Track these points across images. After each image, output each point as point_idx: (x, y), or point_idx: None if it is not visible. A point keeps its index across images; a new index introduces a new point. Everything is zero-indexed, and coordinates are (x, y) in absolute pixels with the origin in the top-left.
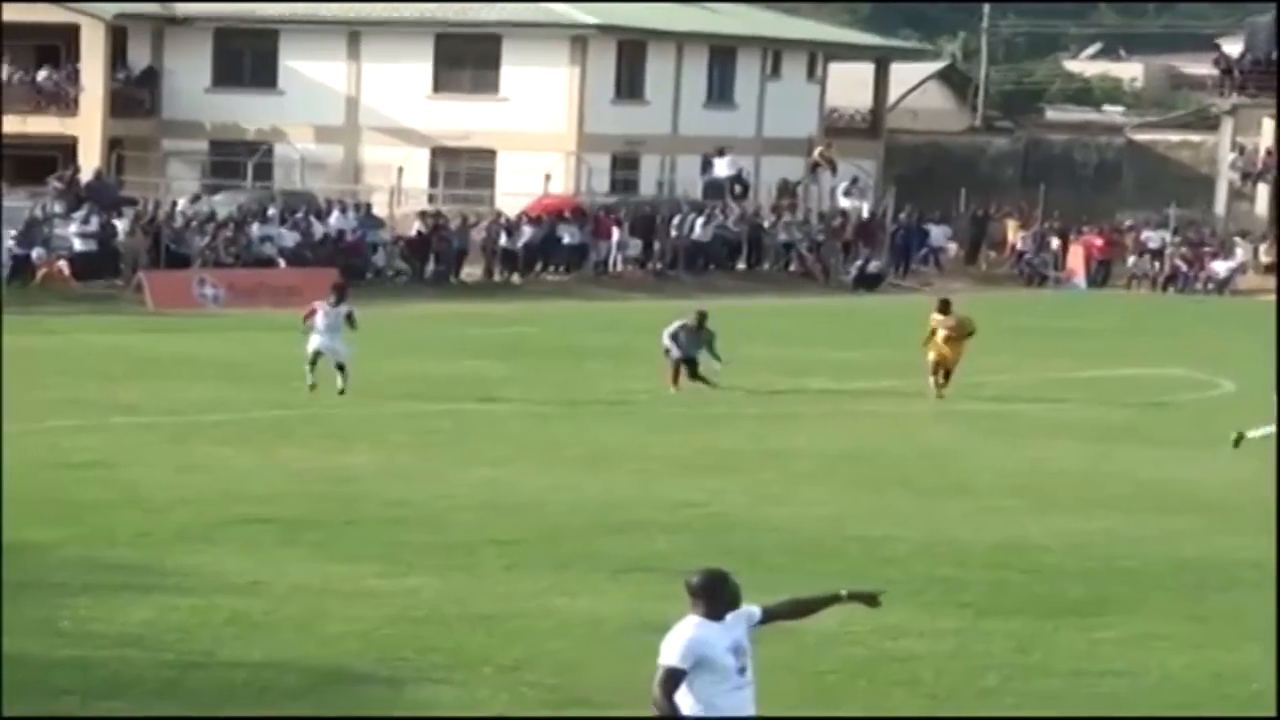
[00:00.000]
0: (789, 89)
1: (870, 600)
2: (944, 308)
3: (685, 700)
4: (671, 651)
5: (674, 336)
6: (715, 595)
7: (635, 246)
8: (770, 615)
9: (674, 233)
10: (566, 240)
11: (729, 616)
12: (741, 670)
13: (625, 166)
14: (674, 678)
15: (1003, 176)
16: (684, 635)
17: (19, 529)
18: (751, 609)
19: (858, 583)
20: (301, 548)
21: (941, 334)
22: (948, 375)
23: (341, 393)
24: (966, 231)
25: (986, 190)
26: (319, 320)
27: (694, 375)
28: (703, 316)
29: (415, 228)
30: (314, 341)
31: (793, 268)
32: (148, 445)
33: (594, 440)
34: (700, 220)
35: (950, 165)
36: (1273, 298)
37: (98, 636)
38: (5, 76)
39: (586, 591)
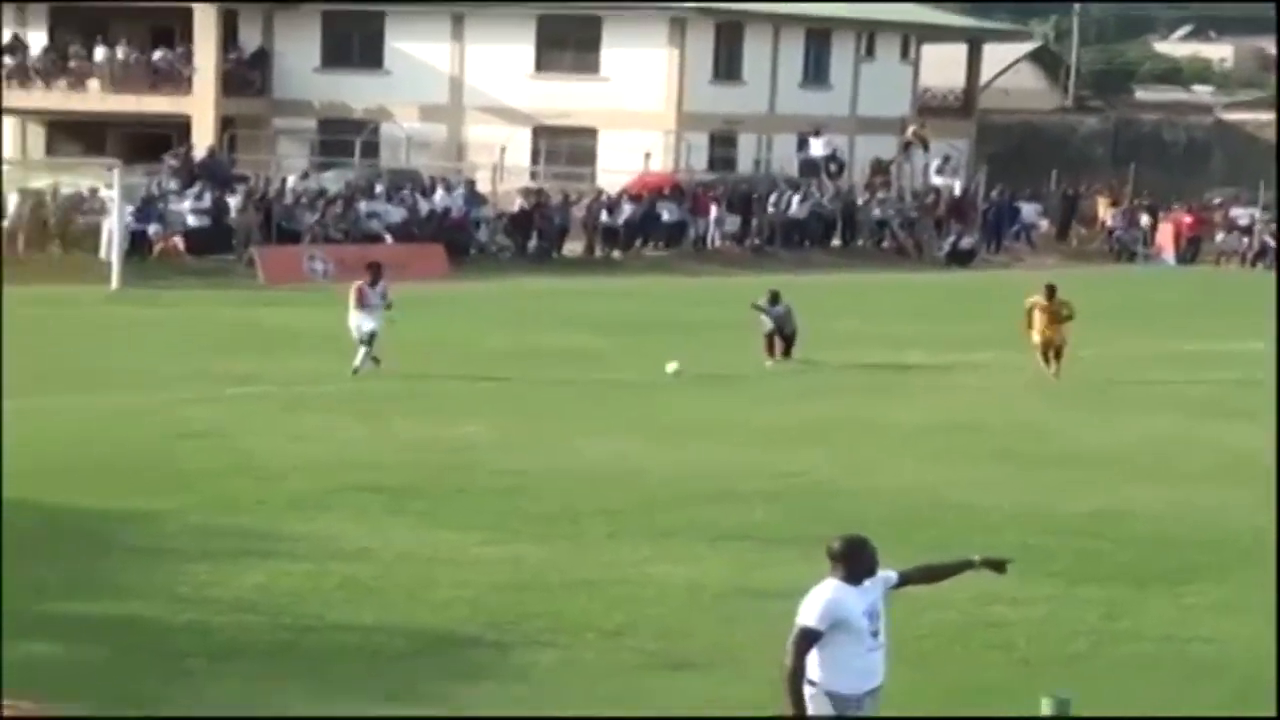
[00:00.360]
0: (883, 69)
1: (999, 567)
2: (1050, 293)
3: (816, 660)
4: (810, 613)
5: (763, 309)
6: (854, 560)
7: (733, 223)
8: (905, 580)
9: (770, 210)
10: (666, 217)
11: (867, 581)
12: (874, 634)
13: (723, 145)
14: (809, 638)
15: (1093, 155)
16: (822, 597)
17: (139, 497)
18: (889, 574)
19: (951, 551)
20: (410, 516)
21: (1040, 316)
22: (1058, 355)
23: (376, 361)
24: (1057, 209)
25: (1077, 169)
26: (362, 301)
27: (787, 353)
28: (775, 295)
29: (518, 204)
30: (368, 323)
31: (886, 244)
32: (261, 415)
33: (693, 412)
34: (796, 198)
35: (1041, 144)
36: None
37: (215, 601)
38: (122, 57)
39: (686, 558)
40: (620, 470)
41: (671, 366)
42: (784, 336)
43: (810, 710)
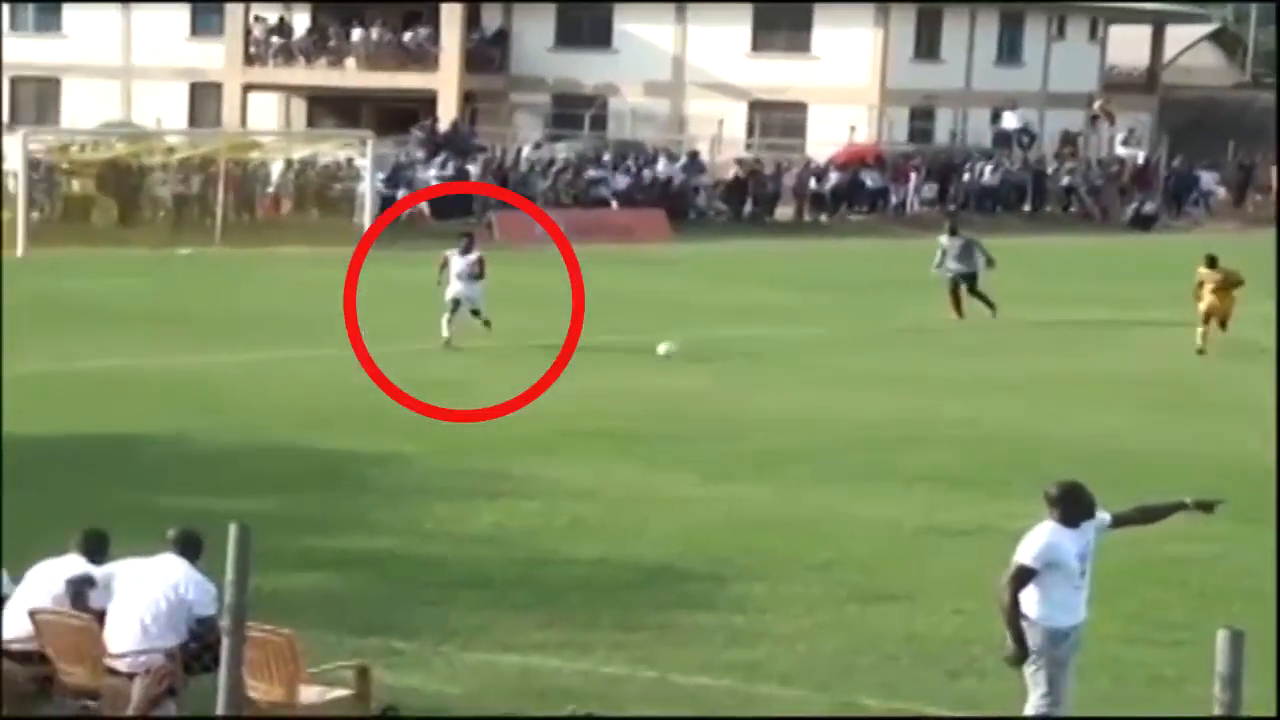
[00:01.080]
0: (1072, 48)
1: (1209, 508)
2: (1211, 263)
3: (1030, 596)
4: (1027, 551)
5: (939, 264)
6: (1072, 503)
7: (931, 190)
8: (1121, 521)
9: (965, 178)
10: (869, 184)
11: (1083, 524)
12: (1082, 574)
13: (922, 118)
14: (1024, 575)
15: (1268, 128)
16: (1040, 538)
17: (386, 440)
18: (1104, 515)
19: (1129, 494)
20: (633, 458)
21: (1209, 286)
22: (1223, 324)
23: (487, 323)
24: (1234, 177)
25: (1253, 140)
26: (453, 269)
27: (973, 290)
28: (953, 222)
29: (733, 173)
30: (451, 289)
31: (1073, 209)
32: (497, 366)
33: (893, 364)
34: (989, 167)
35: (1220, 117)
36: None
37: (456, 536)
38: (376, 38)
39: (883, 499)
40: (824, 417)
41: (663, 348)
42: (966, 278)
43: (1029, 643)
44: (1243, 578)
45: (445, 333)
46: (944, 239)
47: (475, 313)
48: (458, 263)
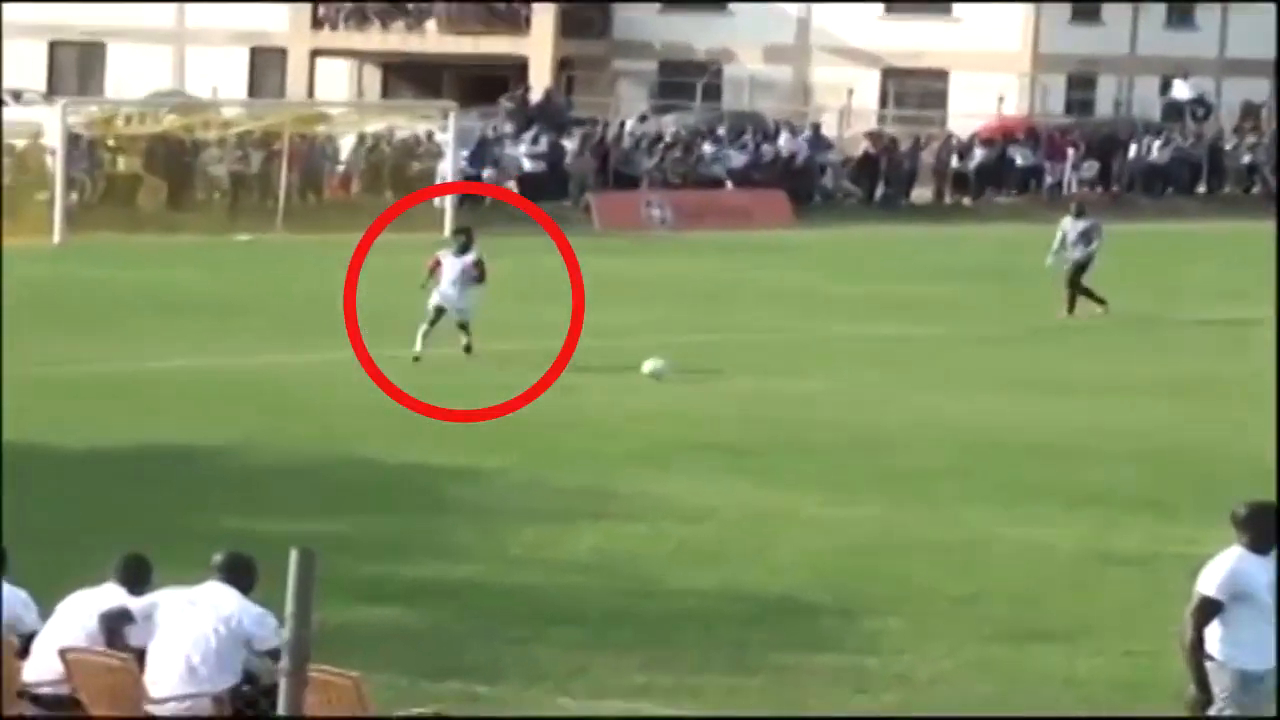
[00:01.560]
0: (1253, 9)
1: None
2: None
3: (1214, 633)
4: (1210, 581)
5: (1058, 250)
6: (1262, 526)
7: (1090, 169)
8: None
9: (1131, 154)
10: (1019, 162)
11: (1274, 550)
12: (1276, 608)
13: (1081, 87)
14: (1207, 608)
15: None
16: (1224, 566)
17: (467, 452)
18: None
19: None
20: (750, 474)
21: None
22: None
23: (468, 349)
24: None
25: None
26: (443, 272)
27: (1075, 283)
28: (1081, 207)
29: (863, 149)
30: (437, 295)
31: (1255, 190)
32: (596, 368)
33: (1048, 366)
34: (1158, 142)
35: None
36: None
37: (548, 563)
38: None
39: (1039, 521)
40: (970, 426)
41: (650, 365)
42: (1077, 264)
43: (1214, 688)
44: None
45: (418, 346)
46: (1067, 221)
47: (463, 326)
48: (451, 265)
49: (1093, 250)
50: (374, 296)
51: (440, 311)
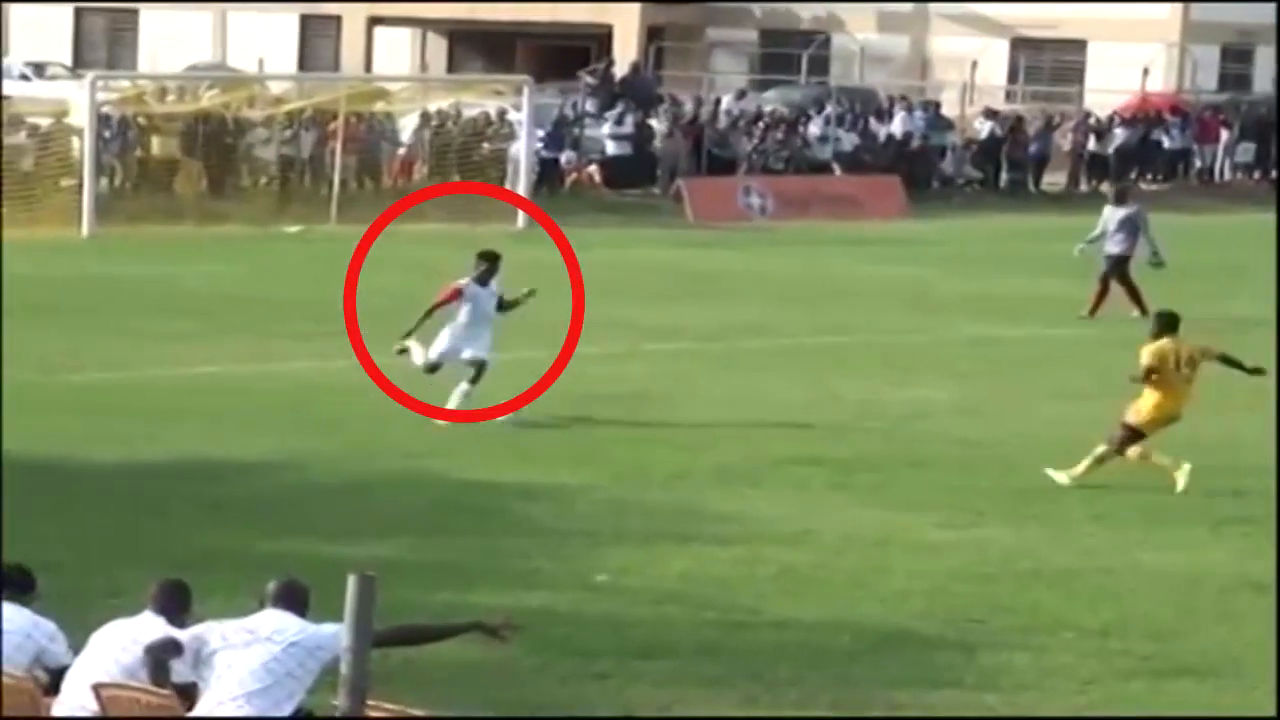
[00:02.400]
0: None
1: None
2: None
3: None
4: None
5: (1094, 239)
6: None
7: (1246, 151)
8: None
9: None
10: (1166, 144)
11: None
12: None
13: (1236, 60)
14: None
15: None
16: None
17: (544, 469)
18: None
19: None
20: (857, 492)
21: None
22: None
23: (469, 389)
24: None
25: None
26: (462, 310)
27: (1123, 278)
28: (1122, 189)
29: (988, 129)
30: (443, 343)
31: None
32: (685, 374)
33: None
34: None
35: None
36: None
37: (632, 591)
38: None
39: (1183, 545)
40: (1098, 441)
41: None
42: (1120, 261)
43: None
44: None
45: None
46: (1108, 209)
47: (478, 370)
48: (478, 298)
49: (1135, 243)
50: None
51: (436, 368)
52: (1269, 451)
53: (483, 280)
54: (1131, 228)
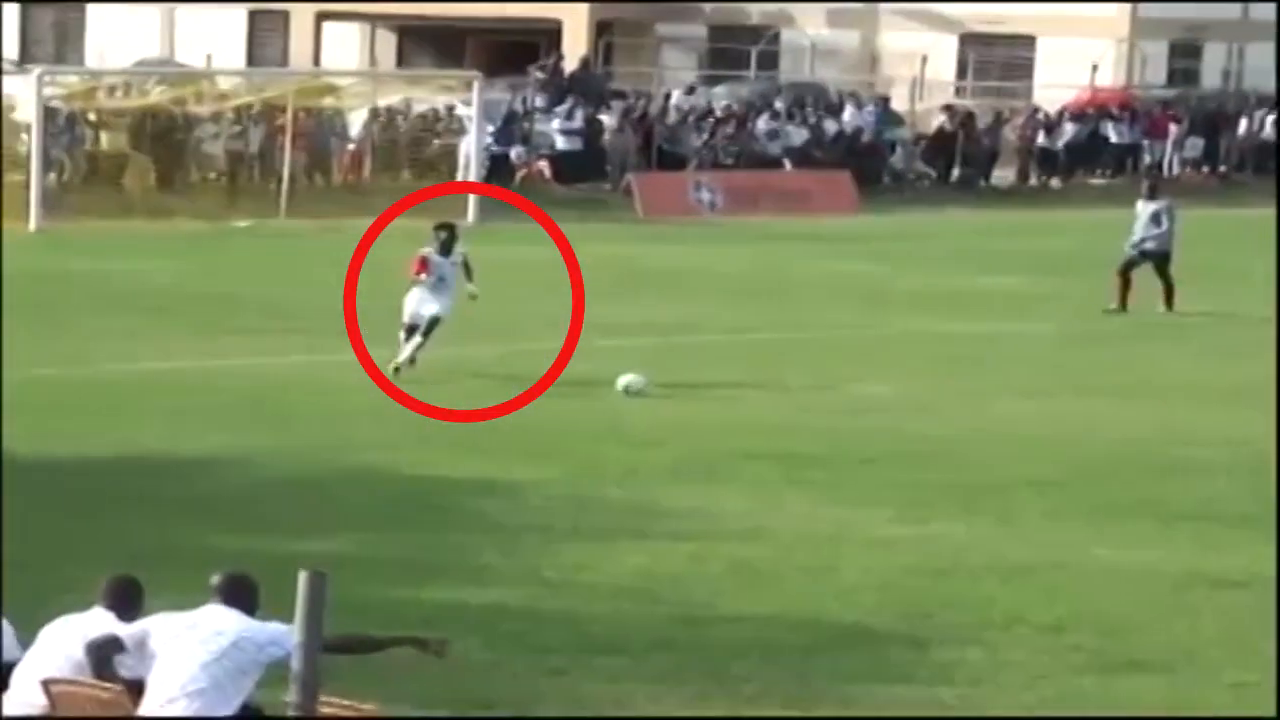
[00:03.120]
0: None
1: None
2: None
3: None
4: None
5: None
6: None
7: (1195, 147)
8: None
9: (1241, 131)
10: (1114, 139)
11: None
12: None
13: (1185, 55)
14: None
15: None
16: None
17: (497, 464)
18: None
19: None
20: (810, 488)
21: None
22: None
23: (397, 370)
24: None
25: None
26: (429, 275)
27: (1162, 272)
28: (1154, 181)
29: (938, 124)
30: (414, 305)
31: None
32: (633, 368)
33: (1142, 367)
34: (1271, 117)
35: None
36: None
37: (586, 586)
38: None
39: (1134, 540)
40: (1055, 436)
41: (625, 381)
42: (1151, 256)
43: None
44: None
45: (402, 359)
46: (1139, 203)
47: (432, 325)
48: (440, 266)
49: (1165, 234)
50: (388, 291)
51: (414, 329)
52: (1216, 447)
53: (444, 250)
54: (1157, 223)
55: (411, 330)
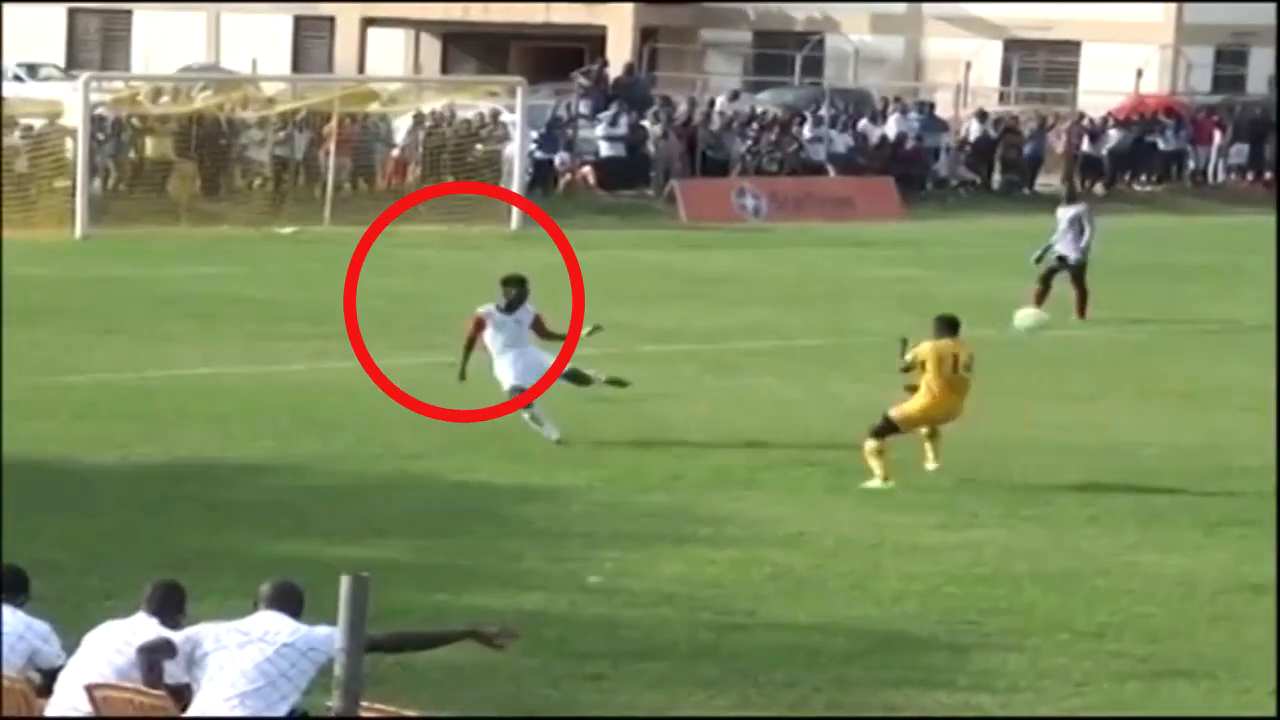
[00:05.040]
0: None
1: None
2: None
3: None
4: None
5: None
6: None
7: (1240, 153)
8: None
9: None
10: (1160, 146)
11: None
12: None
13: (1231, 61)
14: None
15: None
16: None
17: (540, 470)
18: None
19: None
20: (853, 494)
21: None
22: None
23: (561, 441)
24: None
25: None
26: (492, 337)
27: (1079, 281)
28: (1071, 191)
29: (977, 131)
30: (503, 373)
31: None
32: (681, 376)
33: (1192, 373)
34: None
35: None
36: None
37: (627, 592)
38: None
39: (1180, 547)
40: (1101, 442)
41: (1022, 318)
42: (1070, 267)
43: None
44: None
45: (553, 434)
46: (1060, 209)
47: (582, 379)
48: (505, 326)
49: (1085, 241)
50: (436, 295)
51: (518, 390)
52: (1263, 454)
53: (510, 308)
54: (1078, 228)
55: (516, 392)
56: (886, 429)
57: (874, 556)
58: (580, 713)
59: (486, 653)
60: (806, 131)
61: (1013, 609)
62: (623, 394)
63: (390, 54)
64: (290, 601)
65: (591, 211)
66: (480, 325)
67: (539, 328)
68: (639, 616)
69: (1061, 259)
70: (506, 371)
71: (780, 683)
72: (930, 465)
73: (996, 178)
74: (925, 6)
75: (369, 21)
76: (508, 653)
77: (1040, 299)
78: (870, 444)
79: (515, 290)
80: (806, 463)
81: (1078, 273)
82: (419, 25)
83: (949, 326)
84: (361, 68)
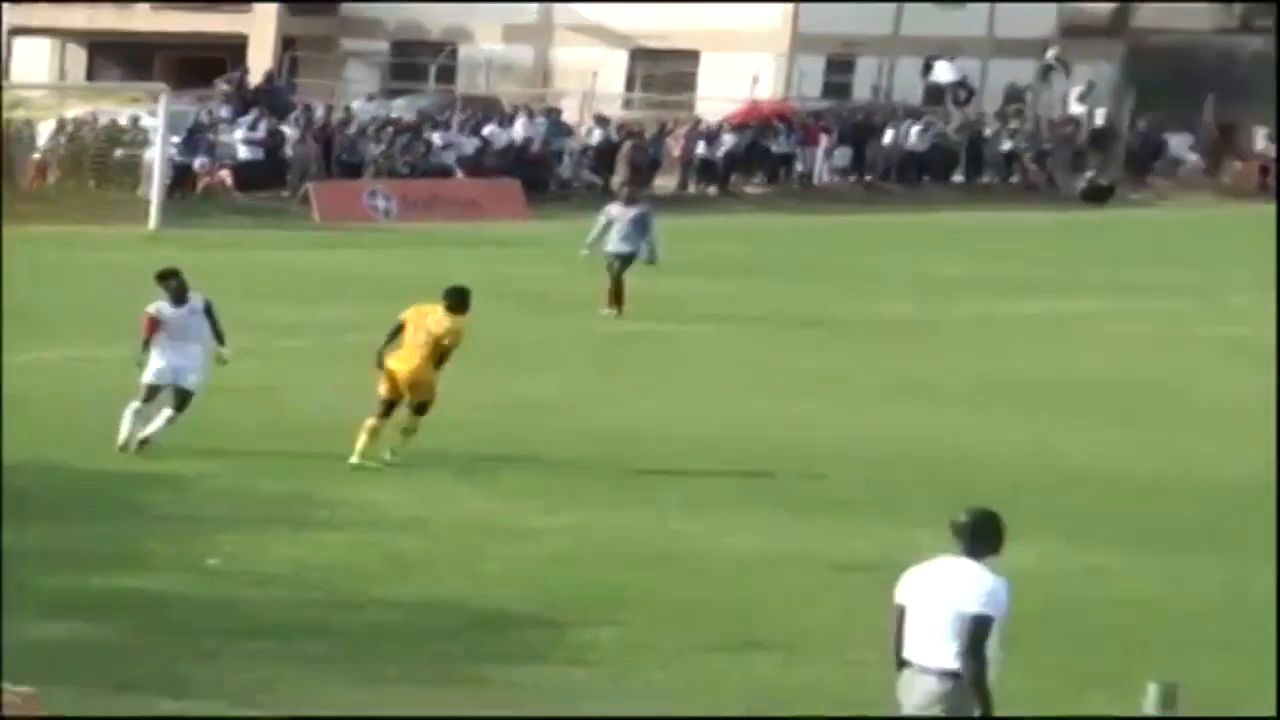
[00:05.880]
0: None
1: None
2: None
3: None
4: (989, 601)
5: (595, 239)
6: (983, 535)
7: (844, 156)
8: None
9: (887, 140)
10: (773, 149)
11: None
12: None
13: (839, 70)
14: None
15: (1257, 83)
16: (989, 582)
17: (166, 459)
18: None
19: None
20: (470, 481)
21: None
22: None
23: (144, 442)
24: (1209, 141)
25: (1236, 97)
26: (166, 330)
27: (617, 282)
28: (634, 192)
29: (598, 135)
30: (153, 365)
31: (1015, 179)
32: (308, 369)
33: (791, 366)
34: (916, 128)
35: (1199, 69)
36: None
37: (243, 574)
38: None
39: (766, 528)
40: (706, 432)
41: None
42: (625, 259)
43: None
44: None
45: (124, 432)
46: (614, 208)
47: (183, 400)
48: (177, 319)
49: (642, 246)
50: (69, 294)
51: (155, 389)
52: (848, 441)
53: (177, 301)
54: (641, 228)
55: (148, 394)
56: (388, 407)
57: (481, 540)
58: (190, 686)
59: (109, 632)
60: (436, 137)
61: (609, 587)
62: (249, 384)
63: (36, 62)
64: None
65: (228, 213)
66: (155, 323)
67: (210, 315)
68: (253, 596)
69: (619, 255)
70: (151, 365)
71: (384, 658)
72: (387, 456)
73: (614, 180)
74: (555, 17)
75: (15, 31)
76: (126, 631)
77: (618, 298)
78: (370, 423)
79: (174, 282)
80: (429, 451)
81: (624, 268)
82: (65, 34)
83: (454, 298)
84: (6, 75)
